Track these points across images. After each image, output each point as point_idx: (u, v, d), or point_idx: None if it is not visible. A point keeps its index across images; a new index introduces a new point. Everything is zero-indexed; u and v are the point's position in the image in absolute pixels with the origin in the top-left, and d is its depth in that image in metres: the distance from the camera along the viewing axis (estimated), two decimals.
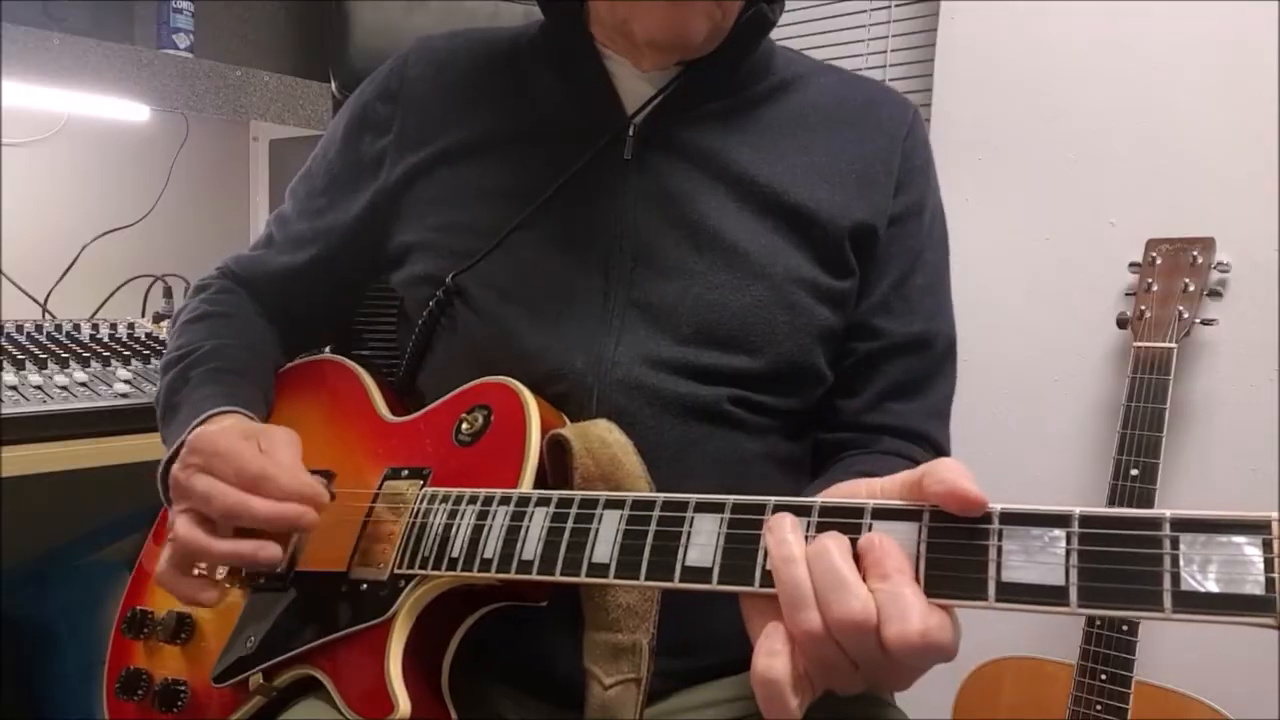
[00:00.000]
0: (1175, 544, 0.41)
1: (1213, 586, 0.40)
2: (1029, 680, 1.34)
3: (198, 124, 1.81)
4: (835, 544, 0.47)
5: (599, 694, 0.66)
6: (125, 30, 1.63)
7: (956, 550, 0.46)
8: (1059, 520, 0.44)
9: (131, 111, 1.65)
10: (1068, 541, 0.43)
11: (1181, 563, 0.41)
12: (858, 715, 0.75)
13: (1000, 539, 0.45)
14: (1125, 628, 1.20)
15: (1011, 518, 0.45)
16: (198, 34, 1.65)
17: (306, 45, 1.96)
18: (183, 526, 0.68)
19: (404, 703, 0.63)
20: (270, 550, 0.67)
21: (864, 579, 0.46)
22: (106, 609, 1.51)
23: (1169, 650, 1.34)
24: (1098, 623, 1.22)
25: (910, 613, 0.44)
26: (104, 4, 1.58)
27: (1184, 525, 0.42)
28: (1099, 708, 1.21)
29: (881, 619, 0.45)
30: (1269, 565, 0.39)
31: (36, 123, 1.64)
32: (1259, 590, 0.39)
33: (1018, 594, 0.44)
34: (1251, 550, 0.40)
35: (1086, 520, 0.44)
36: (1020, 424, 1.54)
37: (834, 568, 0.46)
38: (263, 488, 0.66)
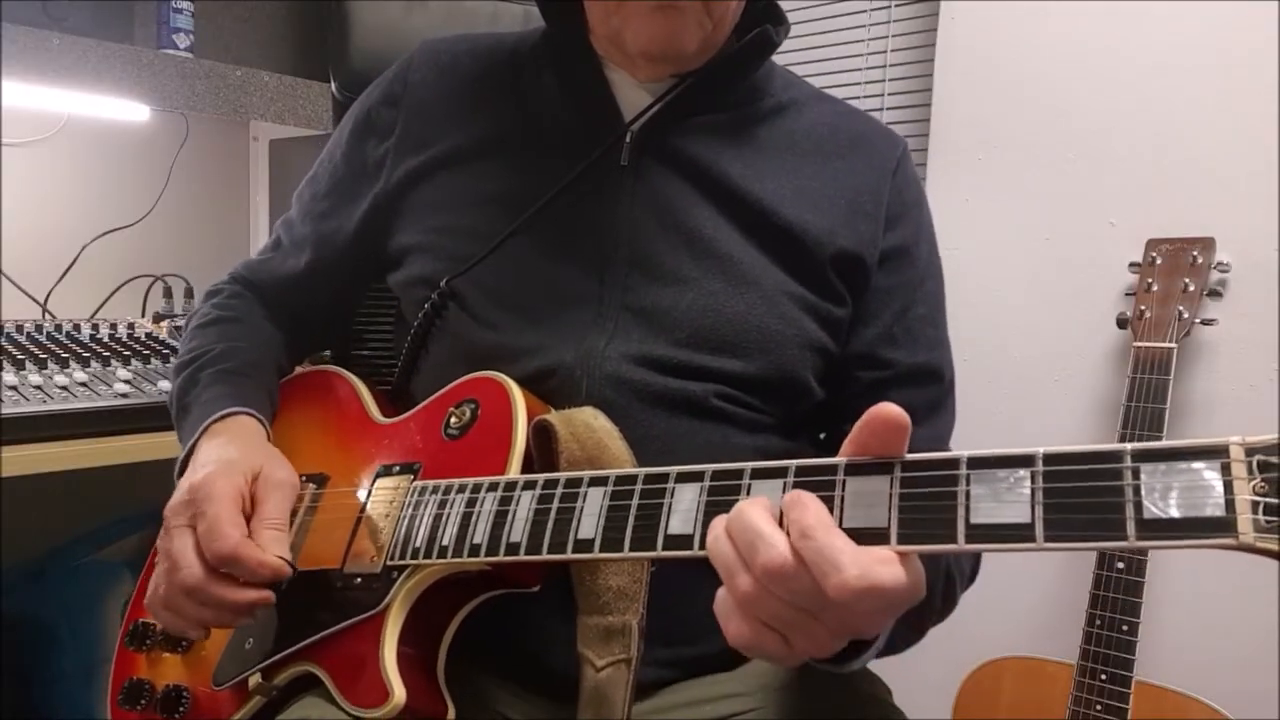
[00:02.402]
0: (1136, 474, 0.42)
1: (1175, 512, 0.41)
2: (1029, 680, 1.34)
3: (198, 124, 1.81)
4: (750, 506, 0.49)
5: (591, 676, 0.68)
6: (125, 30, 1.63)
7: (927, 498, 0.47)
8: (1023, 460, 0.45)
9: (131, 111, 1.65)
10: (1033, 480, 0.45)
11: (1143, 491, 0.42)
12: (858, 715, 0.75)
13: (968, 484, 0.46)
14: (1125, 628, 1.20)
15: (978, 462, 0.46)
16: (198, 34, 1.65)
17: (306, 45, 1.96)
18: (162, 581, 0.70)
19: (399, 690, 0.63)
20: (242, 621, 0.70)
21: (789, 537, 0.47)
22: (106, 609, 1.51)
23: (1169, 650, 1.34)
24: (1098, 622, 1.22)
25: (841, 560, 0.45)
26: (104, 4, 1.58)
27: (1145, 456, 0.43)
28: (1099, 708, 1.21)
29: (817, 575, 0.45)
30: (1228, 488, 0.40)
31: (36, 123, 1.64)
32: (1220, 512, 0.40)
33: (986, 535, 0.45)
34: (1211, 475, 0.41)
35: (1050, 459, 0.45)
36: (1020, 424, 1.54)
37: (748, 526, 0.48)
38: (229, 568, 0.67)
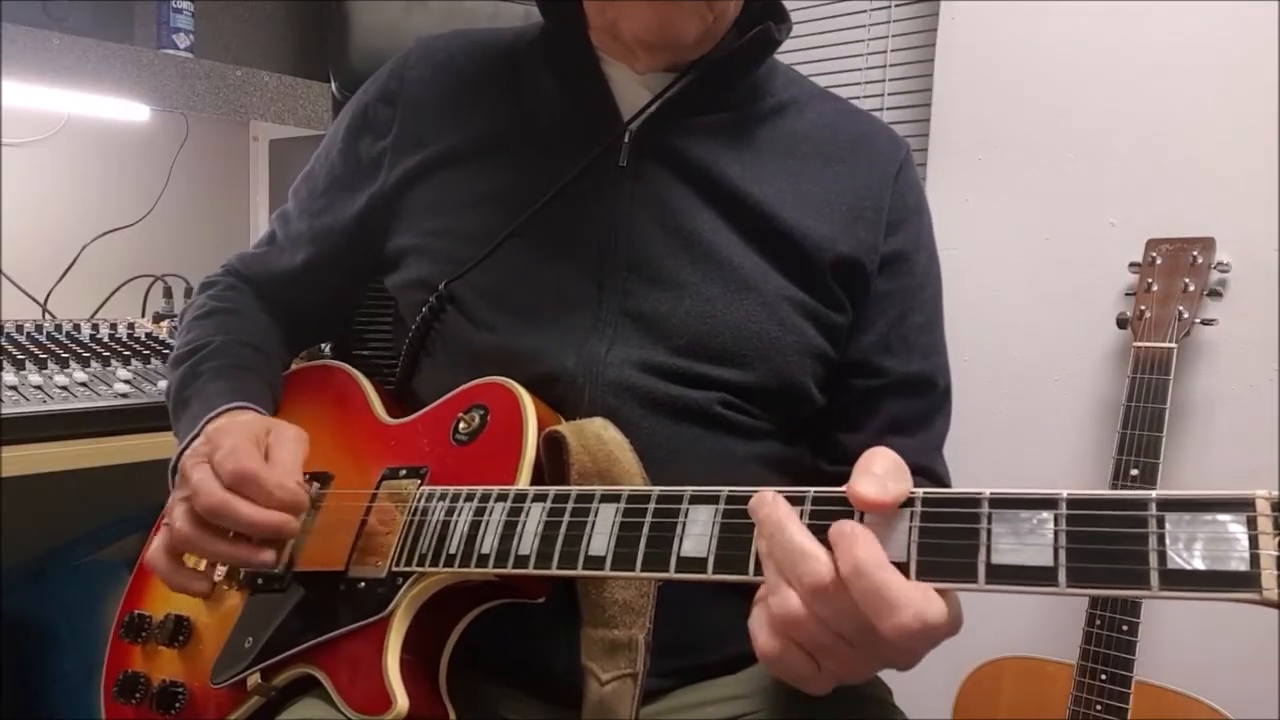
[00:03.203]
0: (1161, 523, 0.42)
1: (1199, 564, 0.41)
2: (1029, 680, 1.34)
3: (198, 124, 1.81)
4: (789, 520, 0.48)
5: (596, 690, 0.67)
6: (125, 30, 1.63)
7: (947, 535, 0.46)
8: (1047, 503, 0.45)
9: (131, 111, 1.65)
10: (1056, 523, 0.44)
11: (1168, 541, 0.42)
12: (858, 716, 0.75)
13: (990, 522, 0.45)
14: (1125, 628, 1.20)
15: (1000, 501, 0.46)
16: (198, 34, 1.65)
17: (306, 45, 1.96)
18: (179, 518, 0.68)
19: (402, 699, 0.63)
20: (265, 555, 0.68)
21: (836, 567, 0.46)
22: (106, 609, 1.51)
23: (1169, 650, 1.34)
24: (1098, 622, 1.22)
25: (898, 600, 0.44)
26: (104, 4, 1.58)
27: (1170, 505, 0.42)
28: (1099, 708, 1.21)
29: (872, 614, 0.45)
30: (1253, 542, 0.40)
31: (36, 123, 1.64)
32: (1244, 567, 0.40)
33: (1007, 576, 0.44)
34: (1236, 528, 0.41)
35: (1074, 502, 0.44)
36: (1020, 424, 1.54)
37: (790, 543, 0.47)
38: (248, 489, 0.66)
